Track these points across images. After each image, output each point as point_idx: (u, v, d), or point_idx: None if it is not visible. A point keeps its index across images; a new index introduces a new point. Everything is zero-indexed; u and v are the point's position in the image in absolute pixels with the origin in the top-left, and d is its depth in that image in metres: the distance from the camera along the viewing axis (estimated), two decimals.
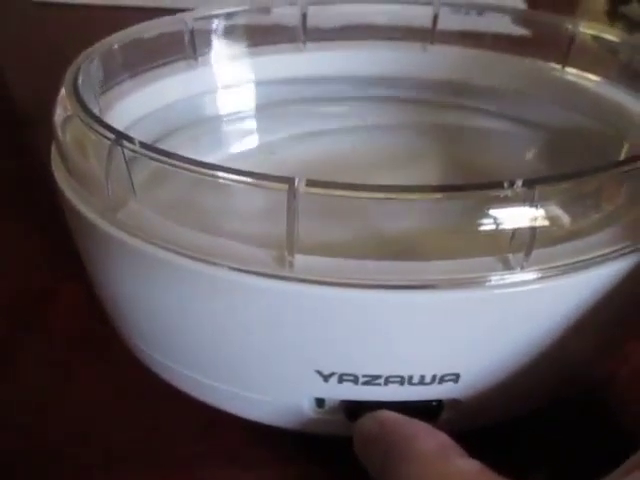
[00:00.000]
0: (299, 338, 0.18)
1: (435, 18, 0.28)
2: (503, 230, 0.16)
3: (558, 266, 0.16)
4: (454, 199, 0.16)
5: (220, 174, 0.16)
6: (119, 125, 0.24)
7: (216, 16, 0.26)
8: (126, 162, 0.18)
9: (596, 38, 0.25)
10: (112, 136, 0.17)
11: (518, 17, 0.27)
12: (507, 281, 0.16)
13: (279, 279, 0.16)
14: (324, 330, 0.17)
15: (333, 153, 0.26)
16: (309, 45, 0.29)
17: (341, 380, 0.19)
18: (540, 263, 0.16)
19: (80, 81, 0.20)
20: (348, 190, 0.16)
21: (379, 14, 0.28)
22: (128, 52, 0.24)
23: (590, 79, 0.26)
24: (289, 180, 0.16)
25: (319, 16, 0.27)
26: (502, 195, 0.16)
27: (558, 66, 0.27)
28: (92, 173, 0.18)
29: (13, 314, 0.26)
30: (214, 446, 0.22)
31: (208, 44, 0.27)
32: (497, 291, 0.16)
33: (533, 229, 0.16)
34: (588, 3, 0.60)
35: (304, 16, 0.27)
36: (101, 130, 0.17)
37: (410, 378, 0.18)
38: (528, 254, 0.16)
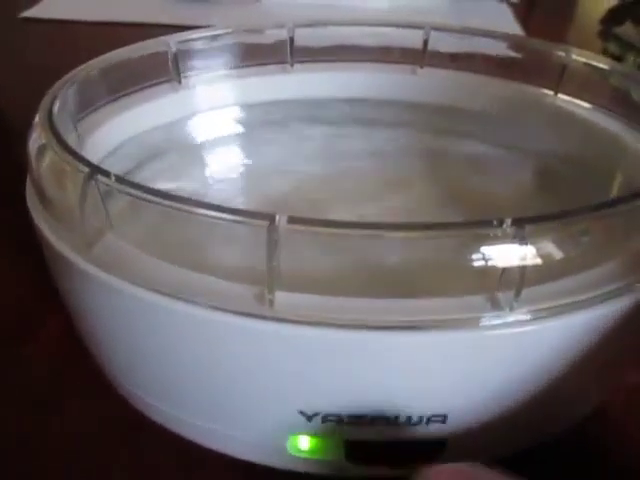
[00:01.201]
0: (280, 378, 0.17)
1: (425, 42, 0.27)
2: (492, 268, 0.16)
3: (549, 307, 0.15)
4: (441, 237, 0.15)
5: (199, 210, 0.15)
6: (101, 151, 0.24)
7: (200, 38, 0.26)
8: (101, 196, 0.17)
9: (588, 65, 0.25)
10: (86, 169, 0.17)
11: (511, 43, 0.26)
12: (496, 322, 0.15)
13: (259, 318, 0.16)
14: (306, 370, 0.17)
15: (318, 179, 0.26)
16: (297, 67, 0.28)
17: (325, 420, 0.18)
18: (530, 303, 0.16)
19: (56, 109, 0.19)
20: (332, 227, 0.15)
21: (369, 36, 0.27)
22: (110, 76, 0.23)
23: (583, 106, 0.25)
24: (269, 217, 0.15)
25: (307, 38, 0.27)
26: (491, 234, 0.15)
27: (550, 92, 0.26)
28: (67, 206, 0.18)
29: None
30: None
31: (192, 66, 0.26)
32: (486, 333, 0.15)
33: (523, 268, 0.15)
34: (581, 23, 0.60)
35: (291, 39, 0.27)
36: (75, 163, 0.17)
37: (396, 418, 0.18)
38: (518, 294, 0.15)
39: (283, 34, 0.26)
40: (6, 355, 0.25)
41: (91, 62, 0.23)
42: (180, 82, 0.26)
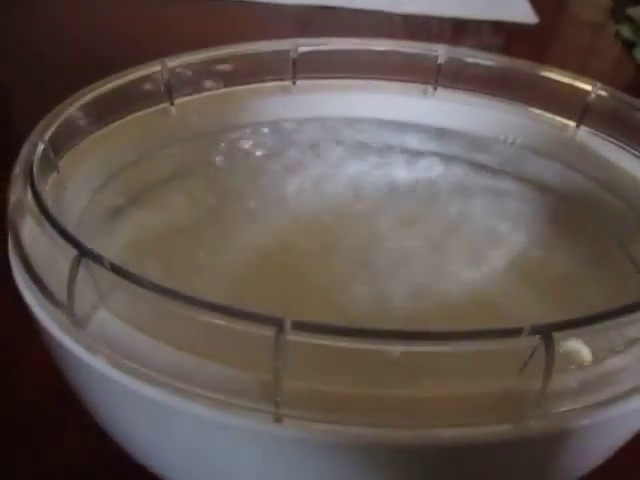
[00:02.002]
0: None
1: (439, 65, 0.25)
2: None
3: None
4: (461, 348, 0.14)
5: (198, 310, 0.14)
6: (93, 181, 0.22)
7: (194, 60, 0.23)
8: (93, 277, 0.16)
9: (613, 99, 0.23)
10: (75, 252, 0.15)
11: (532, 70, 0.24)
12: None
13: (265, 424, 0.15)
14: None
15: (317, 214, 0.24)
16: (299, 84, 0.26)
17: None
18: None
19: (37, 166, 0.17)
20: (342, 337, 0.14)
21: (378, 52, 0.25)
22: (96, 106, 0.21)
23: (605, 143, 0.24)
24: (276, 321, 0.14)
25: (309, 55, 0.25)
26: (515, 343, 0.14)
27: (572, 124, 0.25)
28: (54, 281, 0.16)
29: None
30: None
31: (185, 89, 0.24)
32: None
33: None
34: (593, 3, 0.57)
35: (294, 61, 0.24)
36: (64, 245, 0.15)
37: None
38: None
39: (285, 48, 0.24)
40: None
41: (75, 95, 0.21)
42: (172, 104, 0.24)
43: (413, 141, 0.26)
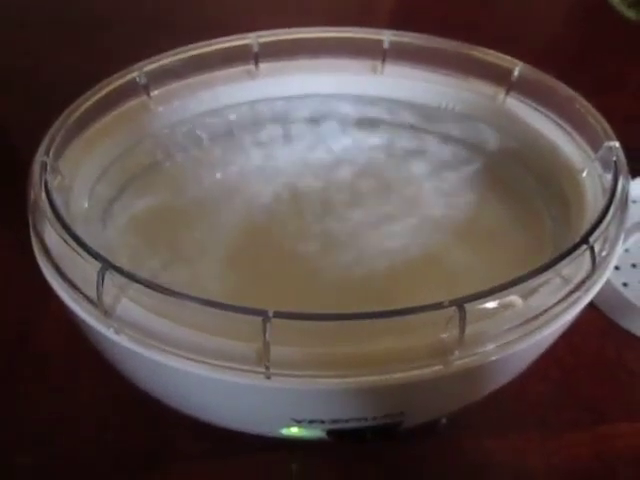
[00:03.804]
0: (278, 408, 0.22)
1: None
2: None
3: None
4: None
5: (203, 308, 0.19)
6: (91, 178, 0.26)
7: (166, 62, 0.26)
8: (115, 284, 0.20)
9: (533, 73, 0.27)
10: (99, 265, 0.19)
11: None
12: None
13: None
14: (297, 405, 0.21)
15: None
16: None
17: (311, 422, 0.23)
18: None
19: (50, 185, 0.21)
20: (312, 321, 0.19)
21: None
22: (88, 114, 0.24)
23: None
24: (262, 312, 0.19)
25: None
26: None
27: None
28: (81, 278, 0.20)
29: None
30: None
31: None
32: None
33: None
34: None
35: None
36: (88, 258, 0.19)
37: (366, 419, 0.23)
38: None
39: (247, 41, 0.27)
40: None
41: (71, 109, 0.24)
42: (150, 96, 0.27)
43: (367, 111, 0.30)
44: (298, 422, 0.23)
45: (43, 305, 0.30)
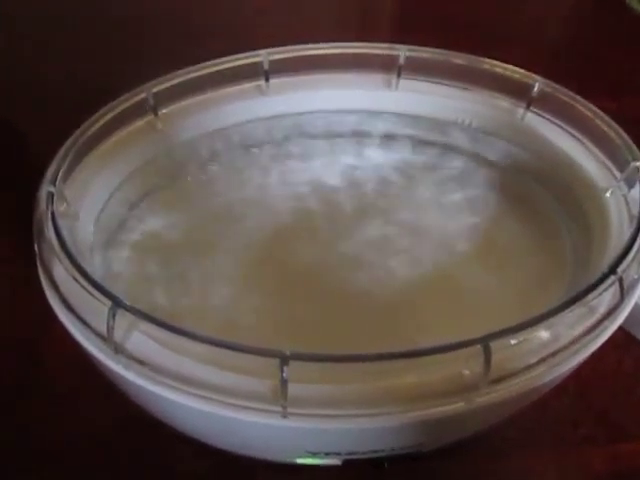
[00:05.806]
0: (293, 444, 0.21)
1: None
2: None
3: None
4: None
5: (217, 350, 0.18)
6: (97, 205, 0.25)
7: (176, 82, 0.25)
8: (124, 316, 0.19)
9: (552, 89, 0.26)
10: (109, 303, 0.19)
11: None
12: None
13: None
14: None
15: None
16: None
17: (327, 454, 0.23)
18: None
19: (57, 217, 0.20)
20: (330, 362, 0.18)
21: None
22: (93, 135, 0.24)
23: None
24: (279, 353, 0.18)
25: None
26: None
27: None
28: (91, 313, 0.20)
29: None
30: None
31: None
32: None
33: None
34: None
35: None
36: (99, 296, 0.19)
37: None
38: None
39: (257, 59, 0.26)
40: None
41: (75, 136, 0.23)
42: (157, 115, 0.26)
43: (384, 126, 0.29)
44: (313, 454, 0.23)
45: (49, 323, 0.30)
